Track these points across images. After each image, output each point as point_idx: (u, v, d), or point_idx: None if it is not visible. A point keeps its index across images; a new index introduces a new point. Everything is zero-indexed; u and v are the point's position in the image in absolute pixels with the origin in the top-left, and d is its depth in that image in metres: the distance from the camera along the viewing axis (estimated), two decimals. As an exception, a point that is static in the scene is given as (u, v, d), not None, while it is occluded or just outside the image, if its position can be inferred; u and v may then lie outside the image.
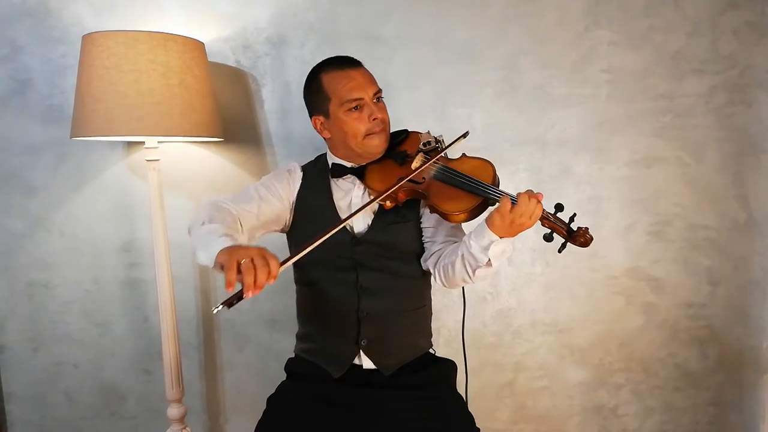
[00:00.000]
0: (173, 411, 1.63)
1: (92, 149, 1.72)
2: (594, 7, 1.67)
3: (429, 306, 1.38)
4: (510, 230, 1.08)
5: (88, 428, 1.87)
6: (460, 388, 1.37)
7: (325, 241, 1.01)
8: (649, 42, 1.68)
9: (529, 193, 1.06)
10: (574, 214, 1.11)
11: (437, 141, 1.25)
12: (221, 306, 0.85)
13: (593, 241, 1.12)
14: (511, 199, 1.07)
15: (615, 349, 1.83)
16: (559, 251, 1.11)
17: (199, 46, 1.48)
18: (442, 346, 1.79)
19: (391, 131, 1.31)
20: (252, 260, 0.86)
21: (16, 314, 1.80)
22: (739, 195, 1.74)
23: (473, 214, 1.14)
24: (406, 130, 1.34)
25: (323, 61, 1.27)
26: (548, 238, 1.11)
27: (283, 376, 1.36)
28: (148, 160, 1.52)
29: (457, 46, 1.69)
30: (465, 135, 1.26)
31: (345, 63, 1.24)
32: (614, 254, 1.78)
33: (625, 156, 1.73)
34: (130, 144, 1.72)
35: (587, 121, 1.72)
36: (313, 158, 1.38)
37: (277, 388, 1.32)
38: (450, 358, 1.39)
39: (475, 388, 1.83)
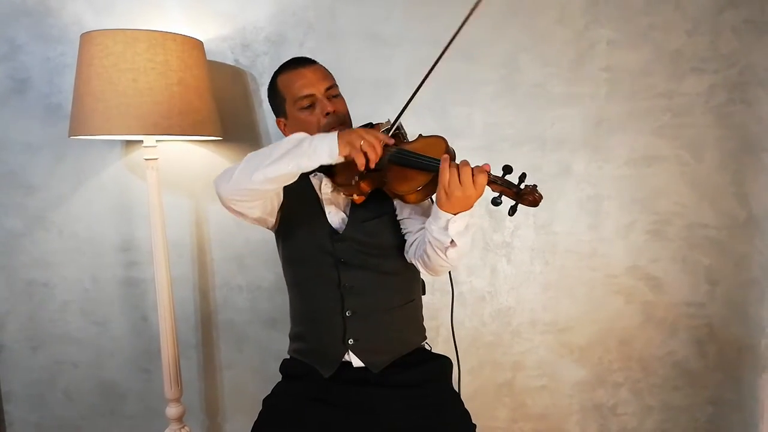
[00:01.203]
0: (172, 410, 1.63)
1: (91, 148, 1.72)
2: (593, 5, 1.66)
3: (418, 300, 1.37)
4: (457, 204, 1.04)
5: (87, 427, 1.87)
6: (462, 385, 1.37)
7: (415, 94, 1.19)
8: (649, 40, 1.68)
9: (450, 164, 1.03)
10: (524, 174, 1.05)
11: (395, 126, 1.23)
12: (360, 180, 1.13)
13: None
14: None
15: (614, 348, 1.83)
16: (510, 214, 1.04)
17: (197, 45, 1.48)
18: (441, 344, 1.78)
19: (359, 126, 1.29)
20: (364, 139, 1.04)
21: (15, 313, 1.80)
22: (738, 193, 1.74)
23: (428, 191, 1.11)
24: (370, 123, 1.32)
25: (281, 64, 1.29)
26: (496, 201, 1.05)
27: (281, 377, 1.36)
28: (146, 159, 1.52)
29: (457, 45, 1.68)
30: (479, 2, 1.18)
31: (298, 63, 1.26)
32: (613, 253, 1.78)
33: (625, 155, 1.73)
34: (128, 143, 1.72)
35: (587, 120, 1.72)
36: None
37: (272, 390, 1.32)
38: (445, 355, 1.38)
39: (474, 387, 1.83)
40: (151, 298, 1.77)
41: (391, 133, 1.19)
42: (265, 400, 1.30)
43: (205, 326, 1.84)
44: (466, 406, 1.29)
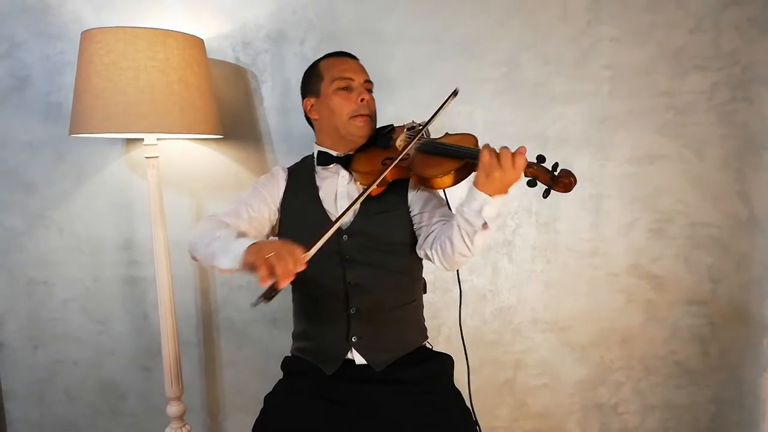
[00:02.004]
0: (173, 409, 1.63)
1: (91, 146, 1.71)
2: (596, 2, 1.66)
3: (420, 300, 1.37)
4: (496, 184, 1.05)
5: (87, 426, 1.87)
6: (462, 383, 1.36)
7: (337, 225, 1.07)
8: (651, 38, 1.67)
9: (489, 148, 1.06)
10: (557, 163, 1.08)
11: (420, 124, 1.27)
12: (260, 300, 0.92)
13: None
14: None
15: (615, 347, 1.83)
16: (544, 196, 1.08)
17: (198, 42, 1.48)
18: (442, 343, 1.79)
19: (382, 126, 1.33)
20: (277, 253, 0.92)
21: (16, 312, 1.80)
22: (740, 192, 1.73)
23: (457, 176, 1.14)
24: (391, 125, 1.35)
25: (326, 54, 1.33)
26: (532, 183, 1.09)
27: (282, 375, 1.36)
28: (147, 158, 1.52)
29: (458, 43, 1.68)
30: (455, 93, 1.25)
31: (342, 53, 1.33)
32: (615, 252, 1.77)
33: (627, 153, 1.73)
34: (129, 141, 1.72)
35: (589, 118, 1.71)
36: (290, 164, 1.38)
37: (274, 387, 1.32)
38: (447, 353, 1.38)
39: (476, 385, 1.82)
40: (152, 296, 1.77)
41: (416, 132, 1.22)
42: (267, 398, 1.30)
43: (206, 325, 1.83)
44: (468, 405, 1.28)
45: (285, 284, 0.91)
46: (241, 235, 1.15)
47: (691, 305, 1.80)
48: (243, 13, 1.67)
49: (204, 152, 1.74)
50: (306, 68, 1.34)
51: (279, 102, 1.71)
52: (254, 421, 1.24)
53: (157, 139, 1.54)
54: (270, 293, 0.92)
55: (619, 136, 1.72)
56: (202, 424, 1.87)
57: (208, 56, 1.57)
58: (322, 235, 1.03)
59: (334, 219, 1.23)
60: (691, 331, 1.81)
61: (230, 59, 1.69)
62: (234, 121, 1.70)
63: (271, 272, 0.90)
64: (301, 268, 0.93)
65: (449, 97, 1.23)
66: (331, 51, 1.33)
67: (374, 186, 1.16)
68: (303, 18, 1.67)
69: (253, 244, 1.00)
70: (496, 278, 1.80)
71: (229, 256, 1.01)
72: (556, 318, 1.82)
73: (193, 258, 1.18)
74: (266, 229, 1.29)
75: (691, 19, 1.66)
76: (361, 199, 1.14)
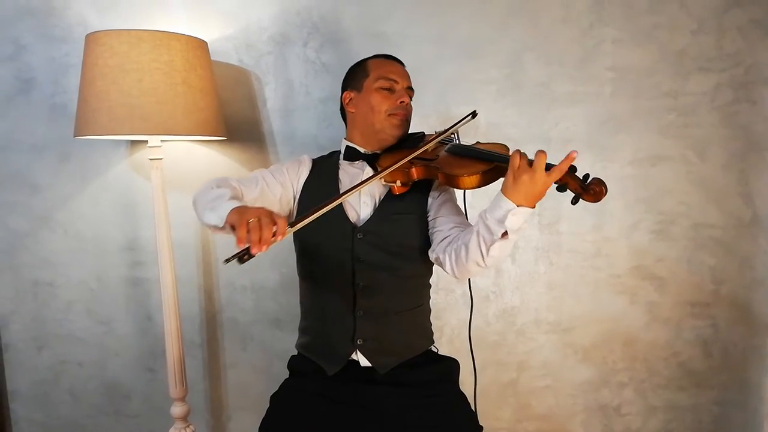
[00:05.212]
0: (177, 409, 1.63)
1: (96, 148, 1.72)
2: (598, 4, 1.66)
3: (427, 304, 1.38)
4: (523, 190, 1.03)
5: (92, 427, 1.88)
6: (468, 387, 1.36)
7: (334, 205, 1.06)
8: (654, 40, 1.67)
9: (521, 153, 1.05)
10: (588, 174, 1.08)
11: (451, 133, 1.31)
12: (231, 259, 0.88)
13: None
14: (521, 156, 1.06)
15: (618, 348, 1.82)
16: (573, 203, 1.08)
17: (202, 44, 1.48)
18: (445, 344, 1.79)
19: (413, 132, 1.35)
20: (260, 219, 0.89)
21: (21, 313, 1.81)
22: (743, 193, 1.73)
23: (484, 178, 1.14)
24: (422, 132, 1.37)
25: (375, 54, 1.36)
26: (561, 189, 1.08)
27: (287, 375, 1.36)
28: (151, 159, 1.53)
29: (460, 44, 1.69)
30: (473, 114, 1.33)
31: (393, 58, 1.36)
32: (618, 253, 1.77)
33: (630, 154, 1.73)
34: (133, 143, 1.73)
35: (591, 119, 1.71)
36: (316, 156, 1.39)
37: (280, 386, 1.33)
38: (453, 357, 1.38)
39: (478, 387, 1.83)
40: (156, 297, 1.78)
41: (441, 138, 1.26)
42: (273, 397, 1.30)
43: (210, 326, 1.84)
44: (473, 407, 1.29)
45: (258, 251, 0.87)
46: (237, 199, 1.10)
47: (694, 307, 1.79)
48: (246, 15, 1.68)
49: (207, 154, 1.74)
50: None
51: (282, 104, 1.71)
52: (260, 421, 1.25)
53: (161, 140, 1.55)
54: (242, 256, 0.88)
55: (622, 137, 1.72)
56: (205, 424, 1.88)
57: (212, 58, 1.58)
58: (314, 212, 1.01)
59: (350, 215, 1.25)
60: (694, 333, 1.81)
61: (234, 61, 1.70)
62: (237, 122, 1.71)
63: (249, 236, 0.88)
64: (280, 238, 0.91)
65: (467, 116, 1.31)
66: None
67: (398, 183, 1.18)
68: (306, 20, 1.68)
69: (241, 206, 0.98)
70: (499, 279, 1.80)
71: (216, 213, 1.00)
72: (559, 319, 1.82)
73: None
74: (274, 207, 1.25)
75: (694, 21, 1.66)
76: (374, 179, 1.15)
